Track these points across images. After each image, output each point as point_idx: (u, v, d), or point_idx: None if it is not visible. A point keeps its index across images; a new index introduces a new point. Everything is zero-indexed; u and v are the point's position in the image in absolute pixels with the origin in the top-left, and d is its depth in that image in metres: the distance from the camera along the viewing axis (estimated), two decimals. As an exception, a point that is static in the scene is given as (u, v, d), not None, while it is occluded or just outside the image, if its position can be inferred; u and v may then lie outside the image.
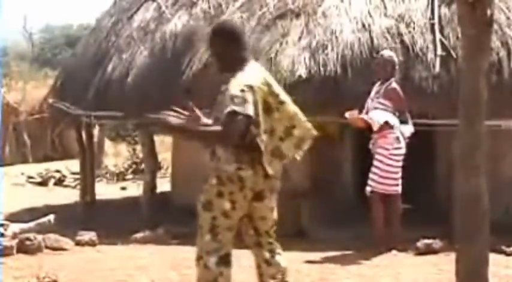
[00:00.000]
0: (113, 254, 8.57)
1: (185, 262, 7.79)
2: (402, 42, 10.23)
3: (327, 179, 10.99)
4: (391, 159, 8.70)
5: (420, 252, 8.62)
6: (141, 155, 17.25)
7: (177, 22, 11.68)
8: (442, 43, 10.15)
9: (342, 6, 10.84)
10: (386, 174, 8.70)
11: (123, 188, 17.94)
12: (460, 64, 7.82)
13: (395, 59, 9.10)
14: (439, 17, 10.42)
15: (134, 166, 20.37)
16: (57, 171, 19.80)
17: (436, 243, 8.67)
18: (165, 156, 17.73)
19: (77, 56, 13.31)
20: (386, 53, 9.23)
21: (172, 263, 7.91)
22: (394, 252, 8.66)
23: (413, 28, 10.35)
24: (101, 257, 8.44)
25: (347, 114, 8.92)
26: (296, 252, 8.60)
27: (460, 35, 9.02)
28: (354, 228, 9.69)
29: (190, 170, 12.03)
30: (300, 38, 10.60)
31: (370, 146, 8.95)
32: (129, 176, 20.00)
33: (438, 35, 10.21)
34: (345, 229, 9.77)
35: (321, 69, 10.15)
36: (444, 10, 10.48)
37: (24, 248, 8.28)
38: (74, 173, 18.26)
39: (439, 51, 10.05)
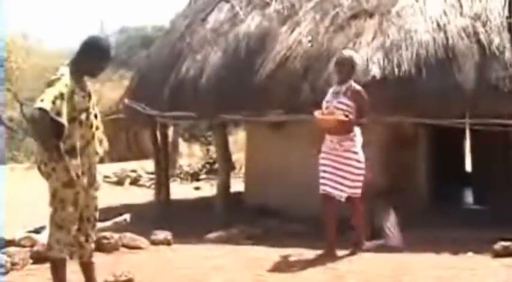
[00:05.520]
0: (187, 254, 8.64)
1: (259, 262, 7.82)
2: (478, 41, 10.07)
3: (401, 181, 10.89)
4: (360, 162, 8.16)
5: (497, 255, 8.47)
6: (214, 155, 17.38)
7: (251, 23, 11.73)
8: (519, 42, 9.98)
9: (416, 6, 10.74)
10: (356, 177, 8.16)
11: (197, 188, 18.11)
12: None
13: (356, 60, 8.48)
14: (516, 15, 10.24)
15: (208, 166, 20.55)
16: (133, 171, 20.09)
17: (514, 246, 8.52)
18: (238, 156, 17.82)
19: (151, 57, 13.47)
20: (346, 52, 8.72)
21: (246, 263, 7.94)
22: (470, 254, 8.55)
23: (490, 27, 10.18)
24: (175, 256, 8.52)
25: (317, 113, 8.19)
26: (370, 253, 8.55)
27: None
28: (429, 230, 9.58)
29: (264, 170, 12.10)
30: (373, 38, 10.54)
31: (326, 148, 8.23)
32: (203, 176, 20.19)
33: (515, 34, 10.05)
34: (420, 231, 9.66)
35: (395, 69, 10.07)
36: (521, 8, 10.31)
37: (101, 246, 8.38)
38: (149, 173, 18.49)
39: (516, 51, 9.89)
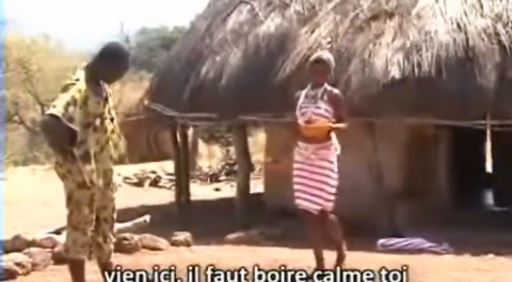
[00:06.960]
0: (207, 255, 8.64)
1: (278, 263, 7.81)
2: (499, 42, 10.02)
3: (421, 182, 10.86)
4: (334, 172, 7.36)
5: (519, 256, 8.45)
6: (234, 156, 17.40)
7: (270, 24, 11.74)
8: (540, 43, 9.92)
9: (436, 7, 10.70)
10: (331, 189, 7.33)
11: (217, 189, 18.15)
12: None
13: (333, 62, 7.56)
14: (538, 16, 10.19)
15: (227, 167, 20.58)
16: (153, 172, 20.15)
17: (536, 247, 8.48)
18: (258, 157, 17.83)
19: (172, 58, 13.51)
20: (324, 53, 7.83)
21: (265, 265, 7.93)
22: (490, 255, 8.52)
23: (511, 28, 10.13)
24: (195, 257, 8.52)
25: (301, 121, 7.32)
26: (390, 254, 8.54)
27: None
28: (450, 231, 9.56)
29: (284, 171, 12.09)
30: (393, 39, 10.51)
31: (300, 158, 7.42)
32: (223, 177, 20.22)
33: (537, 35, 9.99)
34: (440, 232, 9.64)
35: (415, 70, 10.04)
36: (543, 9, 10.25)
37: (121, 247, 8.41)
38: (169, 174, 18.54)
39: (538, 51, 9.83)
